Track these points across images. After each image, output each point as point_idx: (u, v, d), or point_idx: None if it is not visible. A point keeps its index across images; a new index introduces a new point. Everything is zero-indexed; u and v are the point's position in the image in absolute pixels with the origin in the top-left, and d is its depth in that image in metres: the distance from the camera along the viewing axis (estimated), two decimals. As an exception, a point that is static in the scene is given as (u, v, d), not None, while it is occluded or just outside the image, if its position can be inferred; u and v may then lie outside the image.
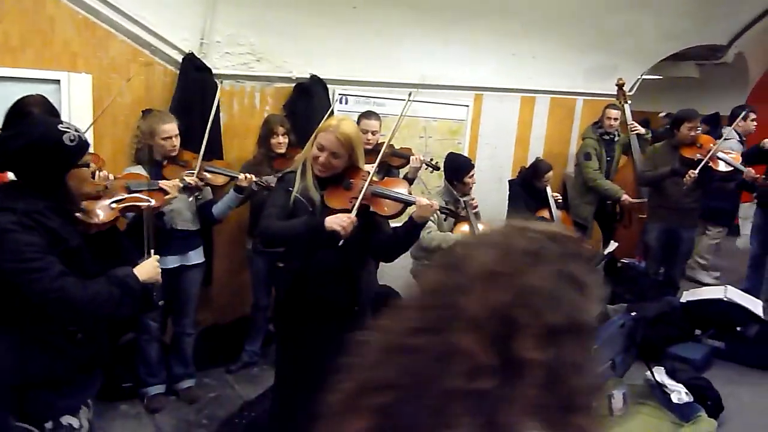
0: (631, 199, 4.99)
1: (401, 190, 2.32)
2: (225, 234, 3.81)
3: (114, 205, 2.04)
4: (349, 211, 2.17)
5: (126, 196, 2.07)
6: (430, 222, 3.76)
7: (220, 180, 3.17)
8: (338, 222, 2.09)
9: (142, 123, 3.09)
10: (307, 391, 2.39)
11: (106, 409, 3.24)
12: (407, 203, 2.25)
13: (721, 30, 6.51)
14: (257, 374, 3.76)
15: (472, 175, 3.96)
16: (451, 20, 4.42)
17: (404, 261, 4.01)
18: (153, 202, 2.38)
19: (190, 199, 3.08)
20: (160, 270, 1.91)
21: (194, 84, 3.50)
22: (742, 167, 4.55)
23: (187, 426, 3.20)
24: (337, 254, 2.16)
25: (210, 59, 3.58)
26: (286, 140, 3.52)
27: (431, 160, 3.84)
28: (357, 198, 2.18)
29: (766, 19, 6.47)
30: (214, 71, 3.59)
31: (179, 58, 3.50)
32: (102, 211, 1.99)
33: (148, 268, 1.84)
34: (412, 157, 3.76)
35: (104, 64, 3.29)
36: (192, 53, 3.50)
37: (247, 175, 3.13)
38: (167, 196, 2.63)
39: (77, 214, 1.86)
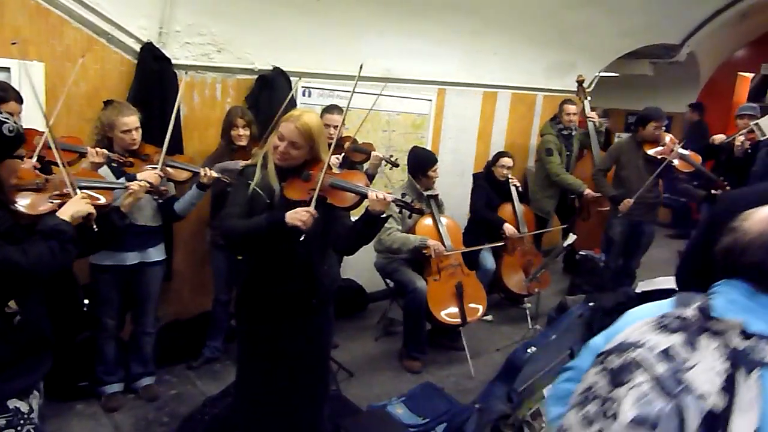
0: (593, 193, 5.13)
1: (358, 182, 2.33)
2: (185, 227, 3.73)
3: (53, 200, 2.01)
4: (307, 202, 2.17)
5: (71, 191, 2.03)
6: (391, 221, 3.78)
7: (183, 175, 3.08)
8: (298, 217, 2.09)
9: (102, 114, 2.99)
10: (270, 385, 2.37)
11: (62, 409, 3.15)
12: (363, 196, 2.26)
13: (674, 29, 6.73)
14: (219, 370, 3.72)
15: (436, 169, 3.99)
16: (414, 15, 4.43)
17: (368, 255, 4.04)
18: (104, 200, 2.32)
19: (155, 198, 3.01)
20: (88, 201, 1.97)
21: (153, 74, 3.41)
22: (703, 168, 4.72)
23: (146, 424, 3.13)
24: (296, 247, 2.16)
25: (169, 49, 3.50)
26: (248, 132, 3.46)
27: (391, 156, 3.85)
28: (315, 189, 2.18)
29: (716, 20, 6.72)
30: (173, 61, 3.51)
31: (137, 47, 3.40)
32: (36, 204, 1.97)
33: (72, 206, 1.91)
34: (372, 154, 3.76)
35: (57, 52, 3.17)
36: (150, 42, 3.41)
37: (208, 172, 3.06)
38: (129, 200, 2.52)
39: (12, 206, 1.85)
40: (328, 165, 2.26)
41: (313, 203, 2.15)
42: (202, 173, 3.05)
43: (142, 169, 2.88)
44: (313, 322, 2.40)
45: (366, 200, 2.26)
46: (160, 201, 3.05)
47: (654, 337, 0.89)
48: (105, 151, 2.81)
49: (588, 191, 5.14)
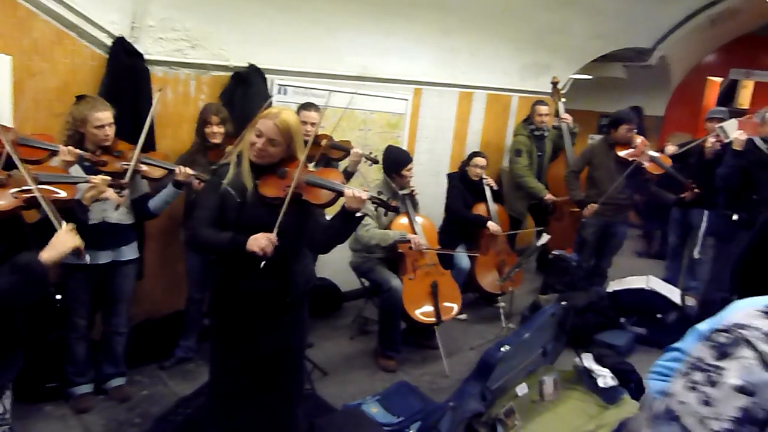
0: (554, 198, 5.22)
1: (334, 180, 2.33)
2: (157, 225, 3.68)
3: (17, 195, 1.98)
4: (282, 198, 2.16)
5: (31, 186, 1.99)
6: (368, 218, 3.78)
7: (157, 173, 3.03)
8: (257, 243, 2.10)
9: (74, 109, 2.92)
10: (243, 385, 2.35)
11: (29, 411, 3.08)
12: (339, 193, 2.26)
13: (646, 33, 6.86)
14: (192, 370, 3.67)
15: (410, 168, 4.00)
16: (391, 13, 4.44)
17: (343, 254, 4.03)
18: (64, 194, 2.28)
19: (116, 191, 2.92)
20: (75, 234, 1.85)
21: (124, 70, 3.35)
22: (672, 170, 4.82)
23: (117, 425, 3.08)
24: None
25: (142, 44, 3.44)
26: (222, 130, 3.43)
27: (370, 153, 3.85)
28: (290, 186, 2.18)
29: (686, 25, 6.88)
30: (146, 57, 3.45)
31: (108, 41, 3.34)
32: (1, 200, 1.93)
33: (56, 247, 1.78)
34: (351, 151, 3.75)
35: (25, 45, 3.09)
36: (122, 37, 3.34)
37: (183, 169, 3.02)
38: (91, 193, 2.50)
39: None
40: (304, 162, 2.26)
41: (277, 228, 2.14)
42: (177, 171, 3.01)
43: (115, 167, 2.82)
44: (287, 321, 2.39)
45: (342, 198, 2.26)
46: (121, 195, 2.95)
47: (761, 322, 0.97)
48: (77, 150, 2.74)
49: (549, 196, 5.24)
